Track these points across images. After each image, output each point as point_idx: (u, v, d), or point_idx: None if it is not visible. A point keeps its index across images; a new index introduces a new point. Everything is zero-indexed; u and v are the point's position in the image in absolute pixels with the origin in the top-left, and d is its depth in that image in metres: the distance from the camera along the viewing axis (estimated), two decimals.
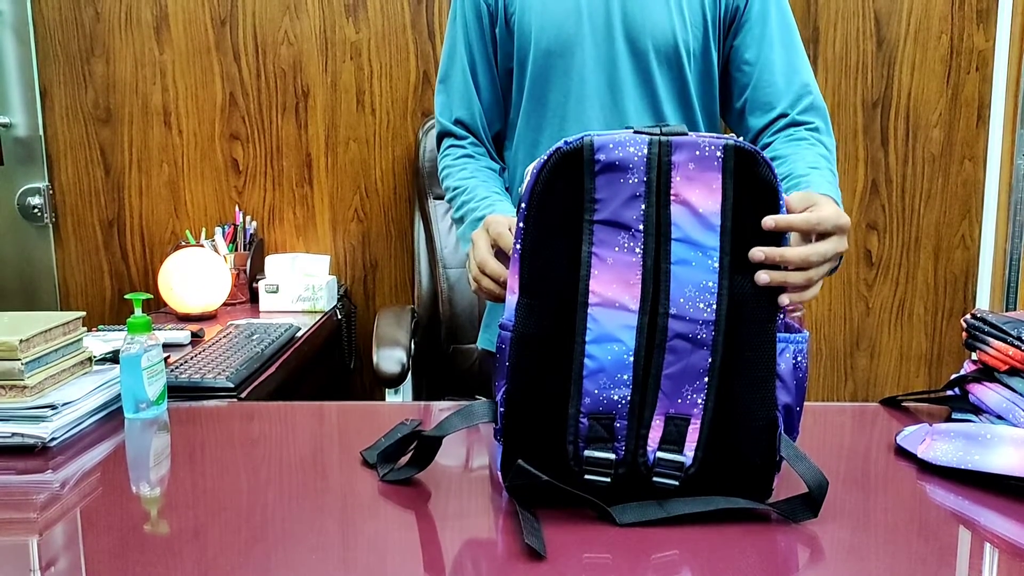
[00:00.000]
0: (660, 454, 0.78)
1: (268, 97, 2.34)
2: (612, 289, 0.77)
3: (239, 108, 2.34)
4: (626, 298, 0.77)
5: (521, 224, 0.79)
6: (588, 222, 0.77)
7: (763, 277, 0.78)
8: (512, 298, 0.80)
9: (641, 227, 0.77)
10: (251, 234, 2.30)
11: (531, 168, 0.80)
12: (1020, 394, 0.95)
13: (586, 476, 0.79)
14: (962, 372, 1.06)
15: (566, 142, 0.77)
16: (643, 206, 0.76)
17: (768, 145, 1.21)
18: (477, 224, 1.10)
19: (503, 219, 1.00)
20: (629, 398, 0.77)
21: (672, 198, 0.77)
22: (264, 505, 0.85)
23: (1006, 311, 1.27)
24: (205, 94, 2.34)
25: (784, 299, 0.79)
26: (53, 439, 1.02)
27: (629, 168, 0.76)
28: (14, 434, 1.00)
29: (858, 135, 2.36)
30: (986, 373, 1.02)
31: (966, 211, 2.39)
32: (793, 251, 0.79)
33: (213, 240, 2.23)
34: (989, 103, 2.33)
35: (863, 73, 2.33)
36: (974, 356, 1.05)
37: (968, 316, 1.06)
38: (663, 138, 0.77)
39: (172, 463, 0.99)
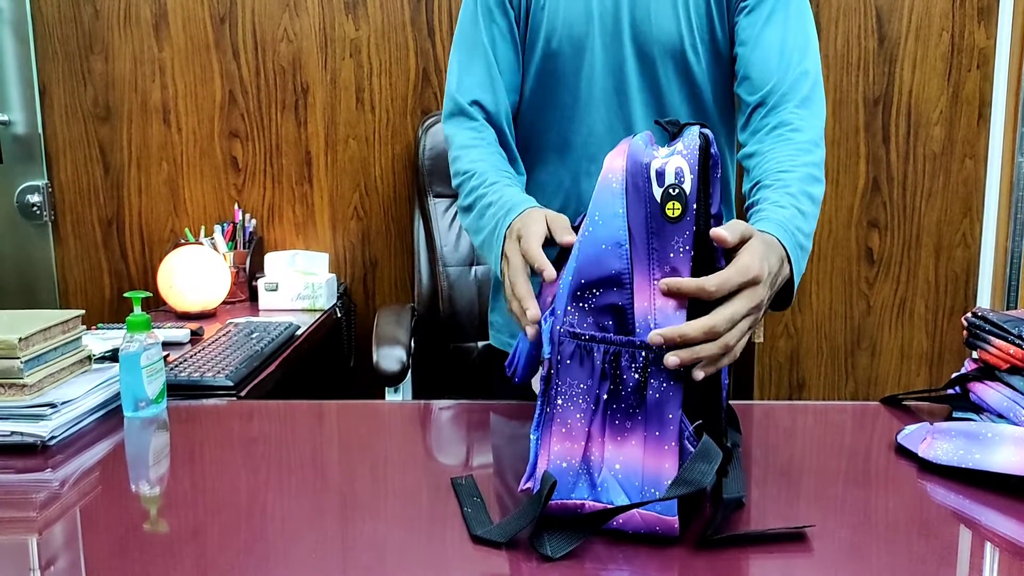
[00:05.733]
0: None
1: (268, 95, 2.33)
2: None
3: (238, 106, 2.34)
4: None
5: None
6: None
7: (671, 360, 0.74)
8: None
9: None
10: (250, 232, 2.30)
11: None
12: (1021, 392, 0.95)
13: None
14: (963, 371, 1.06)
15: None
16: None
17: (756, 133, 1.16)
18: (499, 225, 1.02)
19: (536, 229, 0.92)
20: None
21: None
22: (264, 505, 0.85)
23: (1007, 309, 1.27)
24: (204, 92, 2.34)
25: (699, 373, 0.75)
26: (52, 438, 1.02)
27: None
28: (13, 432, 1.00)
29: (859, 132, 2.35)
30: (987, 372, 1.01)
31: (967, 209, 2.38)
32: (694, 326, 0.75)
33: (212, 238, 2.23)
34: (990, 101, 2.33)
35: (864, 70, 2.33)
36: (975, 355, 1.05)
37: (969, 314, 1.06)
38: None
39: (171, 462, 0.99)
